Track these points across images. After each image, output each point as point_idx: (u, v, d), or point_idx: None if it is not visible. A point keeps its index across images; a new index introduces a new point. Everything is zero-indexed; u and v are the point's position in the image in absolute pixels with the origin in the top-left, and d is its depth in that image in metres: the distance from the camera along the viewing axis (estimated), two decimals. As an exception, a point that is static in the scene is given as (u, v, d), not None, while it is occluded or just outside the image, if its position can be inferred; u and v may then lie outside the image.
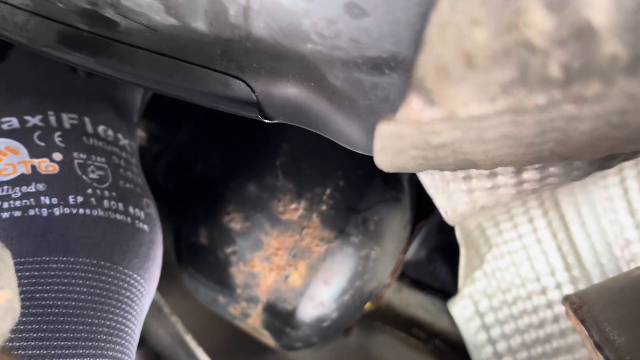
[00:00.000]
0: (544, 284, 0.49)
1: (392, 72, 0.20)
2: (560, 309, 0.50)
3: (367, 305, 0.43)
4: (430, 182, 0.33)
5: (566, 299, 0.31)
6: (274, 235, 0.37)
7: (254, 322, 0.40)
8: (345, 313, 0.40)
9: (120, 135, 0.31)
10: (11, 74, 0.30)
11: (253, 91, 0.23)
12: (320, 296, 0.37)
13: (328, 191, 0.38)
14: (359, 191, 0.38)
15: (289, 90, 0.23)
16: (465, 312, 0.51)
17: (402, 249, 0.43)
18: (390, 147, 0.17)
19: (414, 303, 0.56)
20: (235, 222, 0.38)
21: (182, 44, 0.22)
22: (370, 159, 0.40)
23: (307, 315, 0.38)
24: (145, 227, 0.29)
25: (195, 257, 0.40)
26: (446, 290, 0.56)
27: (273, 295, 0.38)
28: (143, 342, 0.45)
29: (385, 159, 0.18)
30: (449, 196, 0.33)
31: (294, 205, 0.37)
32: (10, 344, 0.22)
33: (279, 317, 0.38)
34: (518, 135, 0.17)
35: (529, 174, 0.32)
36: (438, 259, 0.57)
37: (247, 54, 0.22)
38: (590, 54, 0.13)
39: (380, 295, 0.44)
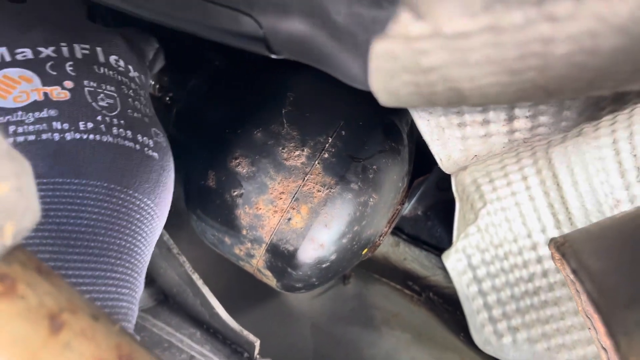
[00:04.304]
0: (534, 240, 0.52)
1: (390, 5, 0.21)
2: (550, 264, 0.52)
3: (364, 252, 0.45)
4: (426, 128, 0.35)
5: (551, 240, 0.33)
6: (278, 180, 0.39)
7: (257, 262, 0.43)
8: (343, 256, 0.42)
9: (131, 67, 0.33)
10: (31, 12, 0.32)
11: (260, 27, 0.25)
12: (321, 238, 0.40)
13: (330, 140, 0.40)
14: (360, 141, 0.40)
15: (294, 26, 0.24)
16: (459, 265, 0.54)
17: (399, 200, 0.45)
18: (383, 68, 0.19)
19: (410, 257, 0.58)
20: (241, 167, 0.40)
21: (196, -21, 0.24)
22: (371, 110, 0.42)
23: (307, 256, 0.41)
24: (155, 154, 0.31)
25: (204, 199, 0.42)
26: (441, 246, 0.59)
27: (276, 236, 0.40)
28: (152, 282, 0.48)
29: (379, 83, 0.20)
30: (444, 143, 0.35)
31: (297, 152, 0.39)
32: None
33: (281, 257, 0.41)
34: (500, 59, 0.19)
35: (520, 123, 0.33)
36: (434, 216, 0.59)
37: (256, -11, 0.23)
38: (562, -26, 0.15)
39: (377, 243, 0.47)
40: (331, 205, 0.39)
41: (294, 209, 0.39)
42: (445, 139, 0.34)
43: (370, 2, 0.22)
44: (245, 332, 0.43)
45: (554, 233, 0.52)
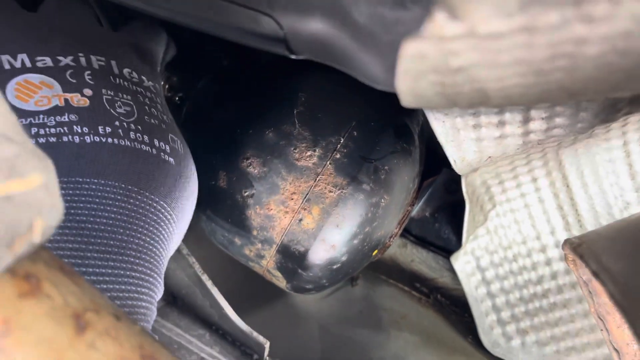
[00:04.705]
0: (544, 242, 0.51)
1: (415, 5, 0.21)
2: (559, 266, 0.52)
3: (375, 253, 0.45)
4: (441, 130, 0.34)
5: (566, 241, 0.33)
6: (289, 180, 0.39)
7: (267, 263, 0.42)
8: (354, 257, 0.42)
9: (144, 78, 0.33)
10: (43, 21, 0.32)
11: (281, 27, 0.25)
12: (332, 239, 0.40)
13: (342, 140, 0.39)
14: (372, 141, 0.40)
15: (315, 27, 0.24)
16: (467, 267, 0.54)
17: (410, 201, 0.45)
18: (412, 69, 0.19)
19: (418, 259, 0.58)
20: (253, 167, 0.40)
21: (216, -22, 0.24)
22: (383, 111, 0.42)
23: (318, 257, 0.40)
24: (172, 159, 0.31)
25: (214, 200, 0.42)
26: (448, 248, 0.59)
27: (287, 237, 0.40)
28: (161, 282, 0.48)
29: (406, 84, 0.20)
30: (459, 144, 0.35)
31: (309, 153, 0.39)
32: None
33: (292, 258, 0.41)
34: (529, 60, 0.18)
35: (536, 124, 0.33)
36: (442, 218, 0.59)
37: (278, -11, 0.23)
38: (600, -26, 0.15)
39: (387, 244, 0.46)
40: (343, 206, 0.39)
41: (305, 209, 0.39)
42: (460, 140, 0.34)
43: (393, 3, 0.22)
44: (255, 334, 0.43)
45: (563, 235, 0.51)
